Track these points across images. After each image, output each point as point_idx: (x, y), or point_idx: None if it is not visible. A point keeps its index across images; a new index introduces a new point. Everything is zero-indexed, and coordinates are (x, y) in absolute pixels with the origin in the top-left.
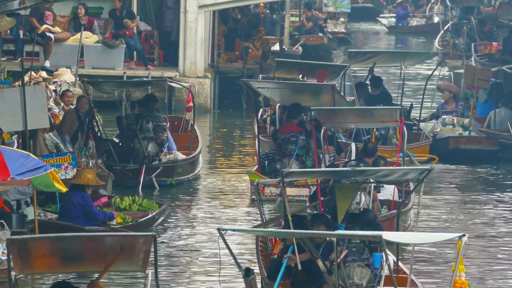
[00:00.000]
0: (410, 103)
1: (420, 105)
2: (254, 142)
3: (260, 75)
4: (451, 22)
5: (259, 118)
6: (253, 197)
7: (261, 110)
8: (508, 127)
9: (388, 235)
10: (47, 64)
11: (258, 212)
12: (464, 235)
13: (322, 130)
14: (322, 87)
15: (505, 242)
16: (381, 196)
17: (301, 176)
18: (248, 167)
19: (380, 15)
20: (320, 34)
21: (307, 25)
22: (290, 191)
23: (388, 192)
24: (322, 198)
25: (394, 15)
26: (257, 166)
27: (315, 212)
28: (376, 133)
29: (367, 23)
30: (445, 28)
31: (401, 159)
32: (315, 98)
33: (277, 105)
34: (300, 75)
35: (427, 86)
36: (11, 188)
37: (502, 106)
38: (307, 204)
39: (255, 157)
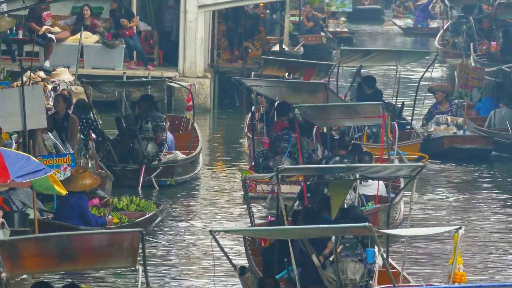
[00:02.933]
0: (402, 102)
1: (413, 104)
2: (247, 139)
3: (253, 73)
4: (450, 21)
5: (250, 116)
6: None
7: (252, 107)
8: (508, 127)
9: (384, 229)
10: (47, 64)
11: (254, 208)
12: (460, 228)
13: (314, 129)
14: (315, 86)
15: (499, 238)
16: (367, 191)
17: (295, 172)
18: (244, 164)
19: (382, 17)
20: (322, 34)
21: (307, 25)
22: (282, 188)
23: (375, 187)
24: (308, 195)
25: (401, 15)
26: (252, 163)
27: (300, 208)
28: (368, 131)
29: (377, 25)
30: (445, 27)
31: (386, 154)
32: (308, 96)
33: (264, 102)
34: (287, 73)
35: (424, 87)
36: (22, 190)
37: (504, 105)
38: (297, 201)
39: (249, 154)
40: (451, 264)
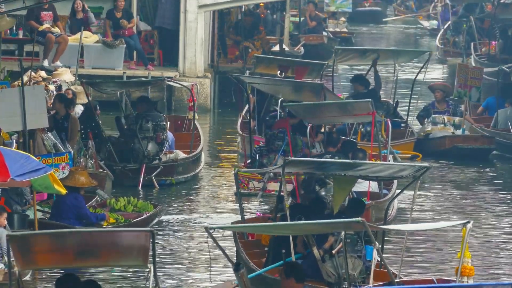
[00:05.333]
0: (396, 100)
1: (408, 103)
2: (239, 138)
3: (247, 71)
4: (451, 21)
5: (244, 113)
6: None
7: (246, 106)
8: (510, 127)
9: (394, 225)
10: (46, 63)
11: (252, 206)
12: (468, 222)
13: (309, 127)
14: (312, 85)
15: (501, 238)
16: (359, 187)
17: (301, 164)
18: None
19: (384, 19)
20: (324, 34)
21: (310, 24)
22: (273, 186)
23: (366, 183)
24: (301, 192)
25: (403, 15)
26: (247, 161)
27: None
28: (362, 130)
29: (380, 25)
30: (446, 26)
31: (376, 151)
32: (306, 95)
33: (254, 101)
34: (279, 72)
35: (418, 85)
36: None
37: (509, 105)
38: (290, 201)
39: (244, 153)
40: (458, 258)
